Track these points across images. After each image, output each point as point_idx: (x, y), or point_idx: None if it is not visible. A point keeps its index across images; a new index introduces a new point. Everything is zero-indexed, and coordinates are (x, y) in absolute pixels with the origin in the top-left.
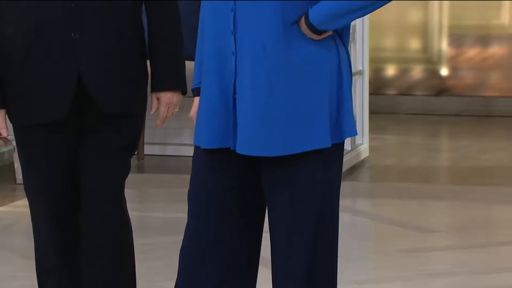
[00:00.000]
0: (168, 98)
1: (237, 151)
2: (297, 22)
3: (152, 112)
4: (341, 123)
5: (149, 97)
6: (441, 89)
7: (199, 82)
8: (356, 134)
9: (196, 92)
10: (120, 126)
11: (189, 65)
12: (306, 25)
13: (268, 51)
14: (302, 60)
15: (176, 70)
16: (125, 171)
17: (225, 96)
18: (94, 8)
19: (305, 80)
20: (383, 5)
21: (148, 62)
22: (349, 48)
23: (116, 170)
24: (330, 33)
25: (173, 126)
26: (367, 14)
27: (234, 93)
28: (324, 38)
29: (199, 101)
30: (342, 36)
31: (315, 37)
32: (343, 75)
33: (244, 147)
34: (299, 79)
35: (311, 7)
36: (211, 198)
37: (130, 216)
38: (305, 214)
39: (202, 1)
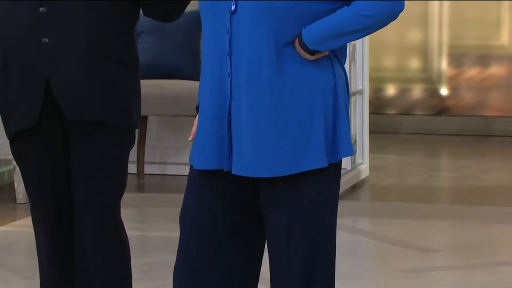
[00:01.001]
0: None
1: (232, 172)
2: (291, 43)
3: None
4: (337, 142)
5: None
6: (441, 108)
7: None
8: (353, 154)
9: (197, 110)
10: (100, 141)
11: (189, 84)
12: (300, 45)
13: (262, 73)
14: (295, 82)
15: None
16: (116, 188)
17: (220, 117)
18: (66, 14)
19: (299, 101)
20: (378, 30)
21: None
22: (348, 66)
23: (103, 187)
24: (326, 52)
25: (173, 145)
26: (362, 37)
27: (229, 114)
28: (320, 57)
29: (198, 119)
30: (337, 54)
31: (309, 57)
32: (338, 94)
33: (240, 168)
34: (292, 101)
35: (305, 27)
36: (203, 218)
37: (130, 236)
38: (302, 233)
39: (203, 23)
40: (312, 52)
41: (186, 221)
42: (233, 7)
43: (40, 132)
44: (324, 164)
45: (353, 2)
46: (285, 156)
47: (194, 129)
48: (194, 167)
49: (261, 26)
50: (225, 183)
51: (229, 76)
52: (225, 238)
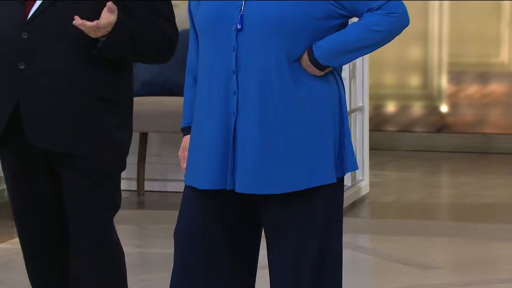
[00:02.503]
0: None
1: (236, 190)
2: (298, 58)
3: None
4: (343, 156)
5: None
6: (441, 125)
7: (191, 121)
8: (358, 168)
9: (186, 131)
10: (83, 167)
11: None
12: (310, 61)
13: (274, 89)
14: (308, 96)
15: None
16: (106, 209)
17: (225, 136)
18: (46, 43)
19: (310, 116)
20: (384, 45)
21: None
22: (348, 83)
23: (95, 207)
24: (330, 68)
25: (173, 162)
26: (370, 52)
27: (234, 132)
28: (325, 73)
29: (191, 139)
30: (336, 67)
31: (317, 73)
32: (343, 107)
33: (246, 186)
34: (304, 115)
35: (315, 43)
36: (200, 237)
37: (130, 252)
38: (310, 249)
39: (191, 40)
40: (322, 68)
41: (182, 240)
42: (239, 25)
43: (10, 146)
44: (334, 179)
45: (363, 18)
46: (296, 172)
47: (186, 153)
48: (199, 188)
49: (272, 43)
50: (224, 201)
51: (235, 94)
52: (222, 257)
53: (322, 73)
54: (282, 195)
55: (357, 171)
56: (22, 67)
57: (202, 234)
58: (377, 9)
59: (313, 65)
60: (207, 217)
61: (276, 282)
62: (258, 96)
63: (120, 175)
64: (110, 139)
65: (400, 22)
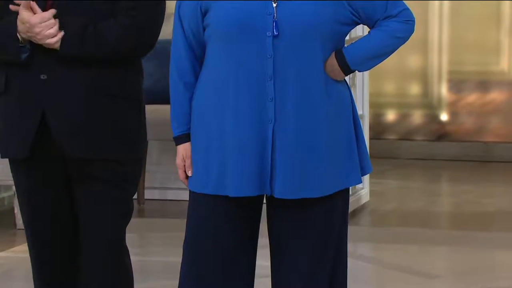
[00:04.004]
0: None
1: (275, 196)
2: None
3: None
4: (362, 159)
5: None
6: (441, 134)
7: (187, 128)
8: (372, 170)
9: (183, 139)
10: (104, 173)
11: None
12: (340, 65)
13: (314, 94)
14: (337, 101)
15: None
16: (119, 219)
17: (261, 142)
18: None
19: (339, 120)
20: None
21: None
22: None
23: (105, 218)
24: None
25: (173, 170)
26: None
27: (273, 139)
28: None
29: (200, 147)
30: None
31: (341, 77)
32: (355, 112)
33: (286, 191)
34: (338, 119)
35: (344, 48)
36: (223, 248)
37: (131, 261)
38: (327, 251)
39: (180, 45)
40: (350, 72)
41: (200, 250)
42: (275, 32)
43: (35, 161)
44: (360, 180)
45: (384, 25)
46: (332, 174)
47: (188, 161)
48: (232, 195)
49: (308, 48)
50: (234, 207)
51: (272, 100)
52: (243, 262)
53: (344, 77)
54: (297, 201)
55: None
56: (44, 77)
57: (230, 240)
58: (395, 16)
59: (342, 69)
60: (236, 224)
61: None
62: (296, 102)
63: (137, 182)
64: (132, 139)
65: (413, 29)
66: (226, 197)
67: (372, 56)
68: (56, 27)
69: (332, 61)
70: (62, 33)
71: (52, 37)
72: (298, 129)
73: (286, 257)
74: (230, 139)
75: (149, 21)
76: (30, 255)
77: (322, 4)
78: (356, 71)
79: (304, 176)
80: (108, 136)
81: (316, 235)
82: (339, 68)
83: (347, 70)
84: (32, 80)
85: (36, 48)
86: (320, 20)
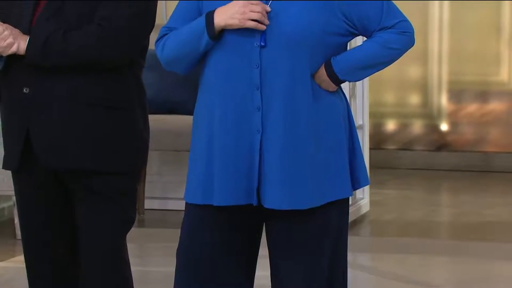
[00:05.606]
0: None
1: (265, 206)
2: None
3: None
4: (356, 171)
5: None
6: (441, 144)
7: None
8: (369, 183)
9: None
10: (96, 184)
11: (189, 119)
12: (328, 75)
13: (300, 105)
14: (326, 112)
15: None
16: (116, 226)
17: (248, 152)
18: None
19: (329, 131)
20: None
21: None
22: (349, 102)
23: (102, 227)
24: (343, 82)
25: (174, 180)
26: (383, 69)
27: (260, 148)
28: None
29: (193, 156)
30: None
31: (332, 87)
32: (352, 123)
33: (274, 201)
34: (324, 131)
35: (333, 58)
36: (213, 256)
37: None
38: (323, 260)
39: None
40: (339, 82)
41: (191, 259)
42: (262, 43)
43: (27, 172)
44: (351, 193)
45: (378, 36)
46: (318, 187)
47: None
48: (219, 204)
49: (295, 58)
50: (241, 216)
51: (259, 110)
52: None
53: (336, 88)
54: (292, 211)
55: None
56: (27, 91)
57: (221, 248)
58: (390, 28)
59: (330, 79)
60: (227, 233)
61: None
62: (284, 112)
63: (135, 191)
64: (121, 153)
65: (411, 41)
66: (215, 206)
67: (362, 67)
68: (11, 38)
69: (322, 72)
70: (25, 37)
71: (11, 47)
72: (286, 139)
73: (282, 268)
74: (217, 149)
75: (120, 31)
76: (26, 268)
77: (310, 15)
78: (351, 81)
79: (291, 186)
80: (89, 147)
81: (308, 246)
82: (328, 79)
83: (337, 80)
84: (16, 93)
85: (17, 61)
86: (308, 32)
